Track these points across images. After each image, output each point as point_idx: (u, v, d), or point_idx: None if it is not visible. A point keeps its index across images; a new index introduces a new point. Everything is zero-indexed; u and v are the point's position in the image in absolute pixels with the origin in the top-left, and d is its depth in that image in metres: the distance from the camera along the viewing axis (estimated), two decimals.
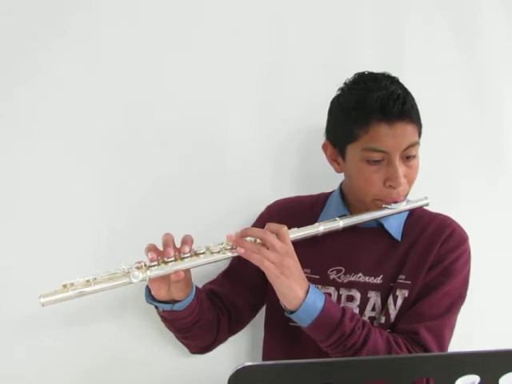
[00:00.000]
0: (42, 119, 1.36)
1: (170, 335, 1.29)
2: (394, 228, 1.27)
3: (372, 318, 1.24)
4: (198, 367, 1.43)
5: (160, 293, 1.16)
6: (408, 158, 1.20)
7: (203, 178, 1.46)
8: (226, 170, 1.48)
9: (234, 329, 1.36)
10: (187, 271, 1.15)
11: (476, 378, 0.83)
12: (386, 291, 1.24)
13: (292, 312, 1.13)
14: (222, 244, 1.15)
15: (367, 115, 1.18)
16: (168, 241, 1.13)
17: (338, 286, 1.26)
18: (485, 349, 0.85)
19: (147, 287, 1.19)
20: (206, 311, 1.25)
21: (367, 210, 1.23)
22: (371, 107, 1.17)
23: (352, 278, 1.26)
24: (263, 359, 1.36)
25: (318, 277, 1.27)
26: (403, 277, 1.24)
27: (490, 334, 1.55)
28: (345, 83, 1.27)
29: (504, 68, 1.66)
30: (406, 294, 1.23)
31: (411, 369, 0.85)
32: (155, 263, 1.12)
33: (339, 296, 1.26)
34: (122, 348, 1.41)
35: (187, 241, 1.14)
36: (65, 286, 1.08)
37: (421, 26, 1.60)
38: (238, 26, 1.48)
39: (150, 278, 1.11)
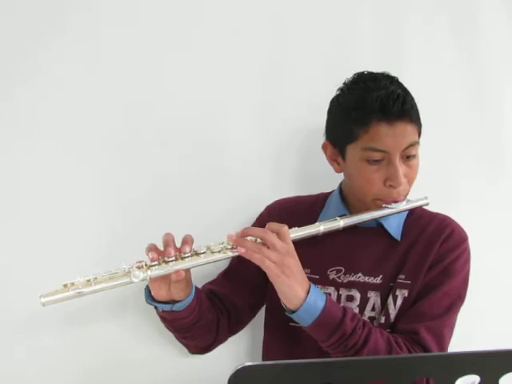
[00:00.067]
0: (42, 119, 1.36)
1: (170, 335, 1.29)
2: (394, 228, 1.27)
3: (372, 318, 1.24)
4: (198, 367, 1.43)
5: (160, 293, 1.16)
6: (408, 157, 1.20)
7: (203, 178, 1.46)
8: (225, 170, 1.48)
9: (233, 329, 1.36)
10: (187, 271, 1.15)
11: (476, 378, 0.83)
12: (386, 291, 1.24)
13: (293, 312, 1.13)
14: (222, 244, 1.15)
15: (367, 115, 1.18)
16: (168, 240, 1.13)
17: (337, 285, 1.26)
18: (485, 349, 0.85)
19: (147, 287, 1.19)
20: (206, 311, 1.25)
21: (367, 209, 1.23)
22: (371, 107, 1.17)
23: (352, 278, 1.26)
24: (263, 359, 1.36)
25: (317, 277, 1.27)
26: (403, 277, 1.24)
27: (489, 333, 1.55)
28: (344, 83, 1.27)
29: (504, 68, 1.66)
30: (406, 294, 1.23)
31: (411, 369, 0.85)
32: (156, 263, 1.12)
33: (339, 296, 1.26)
34: (121, 348, 1.41)
35: (188, 240, 1.14)
36: (65, 285, 1.08)
37: (421, 26, 1.60)
38: (238, 26, 1.48)
39: (150, 278, 1.11)
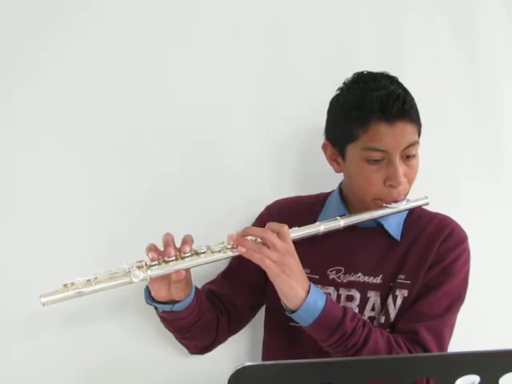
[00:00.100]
0: (42, 119, 1.36)
1: (170, 335, 1.29)
2: (394, 228, 1.27)
3: (372, 318, 1.24)
4: (198, 367, 1.43)
5: (160, 293, 1.16)
6: (408, 157, 1.20)
7: (203, 178, 1.46)
8: (225, 170, 1.48)
9: (233, 329, 1.36)
10: (188, 271, 1.15)
11: (476, 378, 0.83)
12: (386, 291, 1.24)
13: (293, 311, 1.14)
14: (222, 243, 1.15)
15: (367, 115, 1.18)
16: (168, 240, 1.13)
17: (337, 285, 1.26)
18: (485, 349, 0.85)
19: (146, 288, 1.19)
20: (206, 311, 1.25)
21: (367, 209, 1.23)
22: (371, 107, 1.17)
23: (351, 278, 1.26)
24: (263, 359, 1.36)
25: (317, 277, 1.27)
26: (403, 276, 1.24)
27: (490, 333, 1.55)
28: (344, 83, 1.27)
29: (504, 68, 1.66)
30: (406, 294, 1.23)
31: (411, 369, 0.85)
32: (156, 263, 1.12)
33: (339, 296, 1.26)
34: (121, 348, 1.41)
35: (187, 240, 1.14)
36: (65, 285, 1.08)
37: (421, 26, 1.60)
38: (238, 26, 1.48)
39: (150, 278, 1.11)
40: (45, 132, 1.36)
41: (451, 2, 1.62)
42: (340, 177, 1.33)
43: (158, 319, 1.25)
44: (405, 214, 1.28)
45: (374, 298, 1.24)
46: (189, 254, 1.13)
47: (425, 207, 1.30)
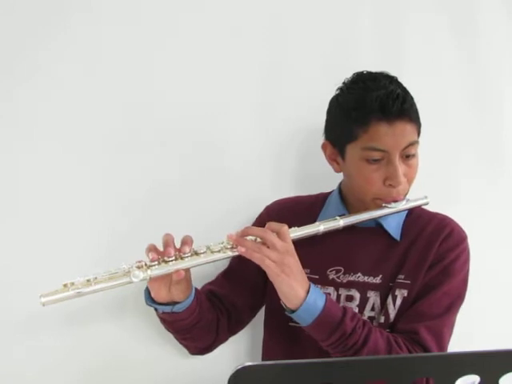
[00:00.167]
0: (42, 119, 1.36)
1: (170, 335, 1.29)
2: (393, 228, 1.27)
3: (371, 318, 1.24)
4: (198, 367, 1.43)
5: (160, 294, 1.16)
6: (407, 157, 1.20)
7: (203, 178, 1.46)
8: (225, 170, 1.48)
9: (233, 329, 1.36)
10: (187, 271, 1.15)
11: (476, 378, 0.83)
12: (386, 291, 1.24)
13: (293, 311, 1.14)
14: (222, 243, 1.15)
15: (367, 115, 1.18)
16: (168, 241, 1.13)
17: (337, 285, 1.26)
18: (485, 349, 0.85)
19: (147, 289, 1.19)
20: (206, 312, 1.25)
21: (366, 209, 1.23)
22: (370, 107, 1.17)
23: (351, 278, 1.26)
24: (263, 359, 1.36)
25: (317, 277, 1.27)
26: (402, 276, 1.24)
27: (490, 333, 1.55)
28: (344, 83, 1.27)
29: (504, 68, 1.66)
30: (406, 294, 1.23)
31: (411, 369, 0.85)
32: (156, 263, 1.12)
33: (338, 296, 1.26)
34: (121, 348, 1.41)
35: (187, 241, 1.14)
36: (65, 285, 1.08)
37: (421, 26, 1.60)
38: (238, 26, 1.48)
39: (150, 278, 1.11)
40: (45, 132, 1.36)
41: (451, 2, 1.62)
42: (340, 177, 1.33)
43: (157, 319, 1.25)
44: (404, 214, 1.29)
45: (373, 297, 1.24)
46: (188, 254, 1.13)
47: (424, 207, 1.30)
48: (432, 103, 1.45)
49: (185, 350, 1.34)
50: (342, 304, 1.23)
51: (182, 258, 1.13)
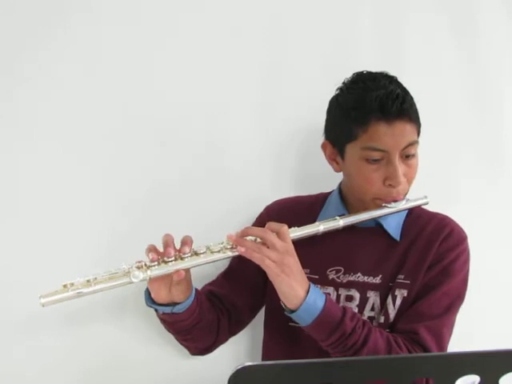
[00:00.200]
0: (42, 119, 1.36)
1: (170, 335, 1.29)
2: (393, 228, 1.27)
3: (371, 318, 1.24)
4: (198, 367, 1.43)
5: (160, 295, 1.16)
6: (407, 156, 1.20)
7: (203, 178, 1.46)
8: (225, 170, 1.48)
9: (234, 329, 1.36)
10: (187, 272, 1.15)
11: (476, 378, 0.83)
12: (385, 291, 1.24)
13: (292, 311, 1.14)
14: (222, 243, 1.15)
15: (366, 114, 1.18)
16: (168, 241, 1.13)
17: (337, 285, 1.26)
18: (485, 349, 0.85)
19: (147, 290, 1.19)
20: (206, 312, 1.25)
21: (366, 209, 1.23)
22: (370, 106, 1.17)
23: (351, 278, 1.26)
24: (263, 359, 1.36)
25: (317, 277, 1.27)
26: (402, 276, 1.24)
27: (490, 333, 1.55)
28: (343, 83, 1.27)
29: (504, 68, 1.66)
30: (405, 294, 1.23)
31: (411, 369, 0.85)
32: (155, 263, 1.12)
33: (338, 296, 1.26)
34: (122, 348, 1.41)
35: (187, 241, 1.14)
36: (65, 286, 1.08)
37: (421, 26, 1.60)
38: (238, 26, 1.48)
39: (150, 278, 1.11)
40: (45, 132, 1.36)
41: (451, 2, 1.62)
42: (340, 177, 1.33)
43: (158, 320, 1.25)
44: (404, 214, 1.28)
45: (373, 297, 1.24)
46: (188, 254, 1.13)
47: (424, 207, 1.30)
48: (432, 103, 1.45)
49: (185, 351, 1.34)
50: (341, 304, 1.23)
51: (181, 259, 1.13)
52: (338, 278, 1.27)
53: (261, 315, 1.38)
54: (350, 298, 1.25)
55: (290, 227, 1.16)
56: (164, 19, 1.43)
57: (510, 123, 1.66)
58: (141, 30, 1.41)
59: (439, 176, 1.56)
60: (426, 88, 1.51)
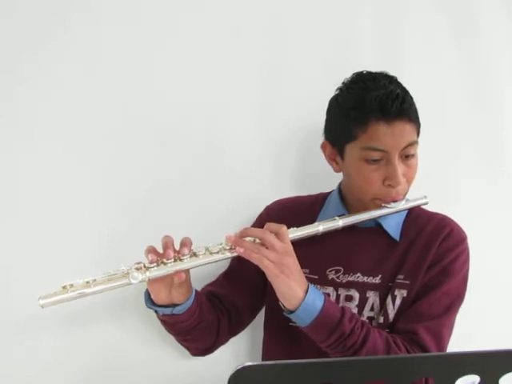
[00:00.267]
0: (42, 119, 1.36)
1: (170, 336, 1.29)
2: (393, 228, 1.27)
3: (371, 318, 1.24)
4: (198, 368, 1.43)
5: (160, 296, 1.16)
6: (407, 157, 1.20)
7: (203, 178, 1.46)
8: (226, 170, 1.48)
9: (234, 330, 1.36)
10: (187, 273, 1.15)
11: (476, 378, 0.83)
12: (385, 291, 1.24)
13: (291, 312, 1.13)
14: (221, 244, 1.15)
15: (366, 114, 1.18)
16: (167, 243, 1.13)
17: (336, 285, 1.26)
18: (485, 349, 0.85)
19: (147, 291, 1.19)
20: (206, 313, 1.25)
21: (366, 209, 1.23)
22: (370, 106, 1.17)
23: (351, 278, 1.26)
24: (263, 359, 1.36)
25: (316, 277, 1.27)
26: (402, 277, 1.24)
27: (490, 333, 1.55)
28: (343, 83, 1.27)
29: (504, 68, 1.66)
30: (405, 294, 1.23)
31: (411, 369, 0.85)
32: (154, 264, 1.12)
33: (338, 296, 1.26)
34: (122, 348, 1.41)
35: (186, 243, 1.14)
36: (64, 287, 1.08)
37: (421, 26, 1.60)
38: (238, 26, 1.48)
39: (149, 279, 1.11)
40: (45, 132, 1.36)
41: (451, 2, 1.62)
42: (339, 177, 1.33)
43: (158, 320, 1.25)
44: (404, 214, 1.28)
45: (373, 298, 1.24)
46: (187, 255, 1.13)
47: (424, 207, 1.30)
48: (432, 103, 1.45)
49: (185, 351, 1.34)
50: (341, 304, 1.23)
51: (180, 260, 1.13)
52: (338, 278, 1.27)
53: (261, 315, 1.38)
54: (349, 298, 1.25)
55: (289, 227, 1.16)
56: (164, 19, 1.43)
57: (510, 123, 1.66)
58: (141, 30, 1.41)
59: (439, 176, 1.56)
60: (426, 88, 1.51)
